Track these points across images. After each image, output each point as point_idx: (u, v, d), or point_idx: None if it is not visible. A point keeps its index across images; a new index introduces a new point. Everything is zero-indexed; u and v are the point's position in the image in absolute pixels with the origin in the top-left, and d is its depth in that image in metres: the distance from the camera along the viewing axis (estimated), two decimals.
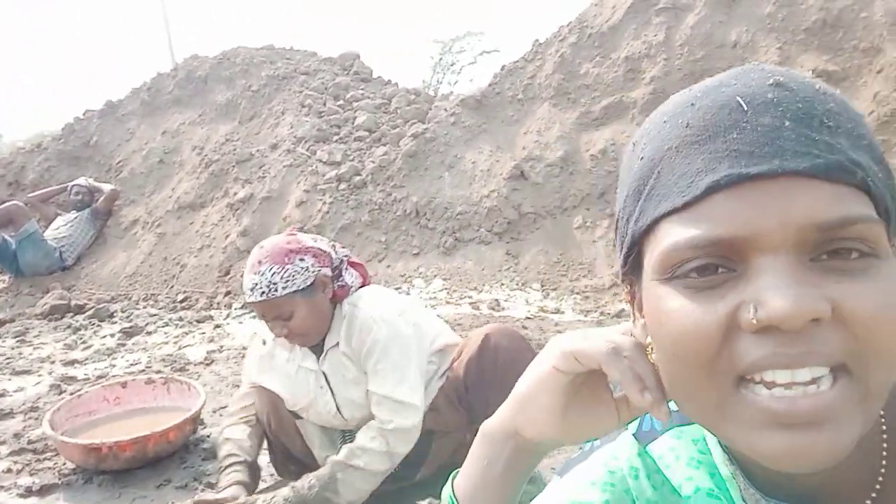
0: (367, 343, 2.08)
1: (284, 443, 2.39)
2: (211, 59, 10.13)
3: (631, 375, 0.67)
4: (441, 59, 18.95)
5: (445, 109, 8.24)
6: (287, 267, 2.00)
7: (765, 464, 0.56)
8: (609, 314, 5.33)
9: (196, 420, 3.06)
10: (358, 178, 7.53)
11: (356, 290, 2.23)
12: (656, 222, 0.61)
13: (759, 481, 0.68)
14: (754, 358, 0.53)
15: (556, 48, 8.08)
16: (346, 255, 2.29)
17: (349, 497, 2.00)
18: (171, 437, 2.86)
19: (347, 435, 2.33)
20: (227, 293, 6.56)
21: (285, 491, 1.99)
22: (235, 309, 6.11)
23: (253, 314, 5.89)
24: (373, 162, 7.62)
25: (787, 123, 0.54)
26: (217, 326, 5.56)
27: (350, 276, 2.23)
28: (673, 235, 0.58)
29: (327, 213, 7.19)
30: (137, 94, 10.10)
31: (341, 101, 9.34)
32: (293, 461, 2.42)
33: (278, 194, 7.68)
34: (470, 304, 5.80)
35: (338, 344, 2.15)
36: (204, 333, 5.35)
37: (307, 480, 2.01)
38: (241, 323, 5.68)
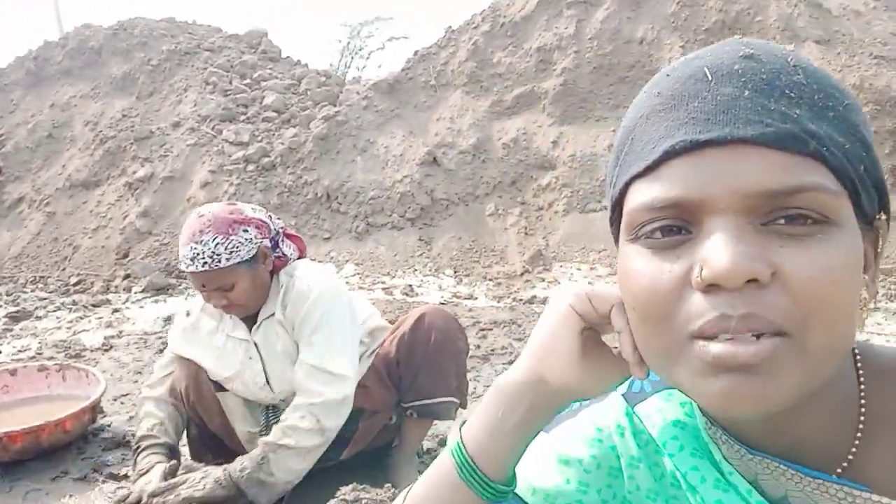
0: (302, 311, 2.03)
1: (202, 417, 2.28)
2: (105, 29, 9.55)
3: (627, 326, 0.68)
4: (349, 43, 18.70)
5: (357, 93, 8.12)
6: (231, 238, 1.93)
7: (708, 409, 0.59)
8: (521, 300, 5.42)
9: (95, 409, 2.87)
10: (266, 159, 7.30)
11: (293, 261, 2.19)
12: (626, 186, 0.63)
13: (743, 438, 0.69)
14: (704, 321, 0.55)
15: (469, 36, 8.13)
16: (281, 227, 2.23)
17: (284, 477, 1.94)
18: (67, 426, 2.67)
19: (271, 410, 2.26)
20: (127, 276, 6.21)
21: (217, 472, 1.90)
22: (136, 293, 5.80)
23: (156, 299, 5.62)
24: (282, 144, 7.41)
25: (745, 93, 0.56)
26: (116, 311, 5.26)
27: (287, 248, 2.18)
28: (636, 197, 0.61)
29: (234, 194, 6.94)
30: (22, 63, 9.39)
31: (248, 80, 9.02)
32: (211, 439, 2.31)
33: (181, 174, 7.34)
34: (383, 289, 5.76)
35: (273, 314, 2.10)
36: (101, 318, 5.05)
37: (239, 463, 1.93)
38: (142, 307, 5.40)
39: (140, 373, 3.73)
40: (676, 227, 0.58)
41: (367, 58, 19.41)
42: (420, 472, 2.28)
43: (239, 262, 1.94)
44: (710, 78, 0.58)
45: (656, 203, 0.58)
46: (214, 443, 2.28)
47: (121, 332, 4.69)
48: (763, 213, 0.55)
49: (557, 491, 0.80)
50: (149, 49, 9.14)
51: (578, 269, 6.10)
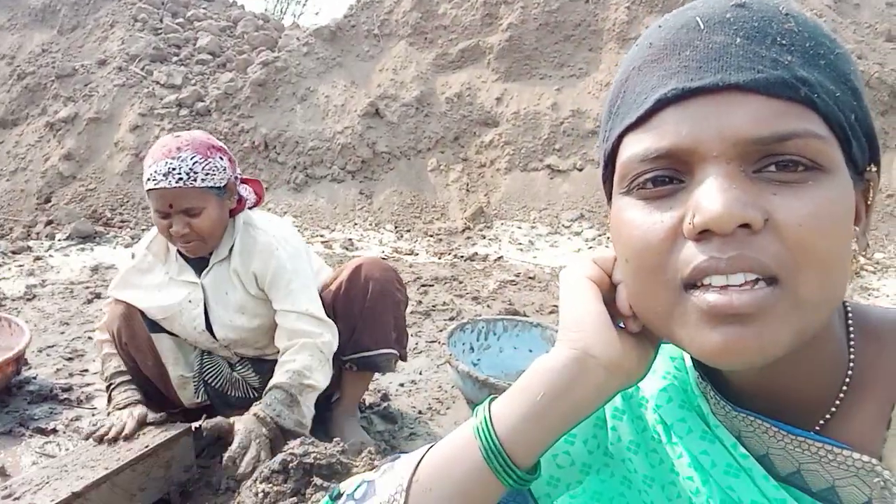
0: (273, 265, 1.99)
1: (135, 358, 2.20)
2: None
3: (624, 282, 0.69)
4: None
5: (298, 39, 7.83)
6: (209, 160, 1.85)
7: (705, 362, 0.58)
8: (463, 257, 5.43)
9: (20, 360, 2.73)
10: (201, 104, 6.99)
11: (249, 207, 2.11)
12: (619, 139, 0.63)
13: (729, 395, 0.70)
14: (695, 264, 0.55)
15: None
16: (239, 172, 2.14)
17: (309, 413, 1.95)
18: None
19: (206, 355, 2.21)
20: (49, 222, 5.88)
21: (257, 428, 1.84)
22: (60, 240, 5.50)
23: (82, 247, 5.36)
24: (217, 89, 7.10)
25: (737, 41, 0.56)
26: (38, 259, 4.98)
27: (245, 191, 2.09)
28: (629, 149, 0.61)
29: None
30: None
31: (181, 20, 8.56)
32: (145, 383, 2.23)
33: (108, 116, 6.95)
34: (322, 242, 5.66)
35: (227, 259, 2.02)
36: (22, 266, 4.78)
37: (270, 409, 1.88)
38: (66, 256, 5.14)
39: (67, 323, 3.56)
40: (668, 177, 0.58)
41: (304, 4, 18.80)
42: (362, 427, 2.28)
43: (211, 188, 1.86)
44: (701, 27, 0.57)
45: (649, 153, 0.58)
46: (148, 386, 2.20)
47: (44, 280, 4.46)
48: (755, 159, 0.55)
49: None
50: None
51: (519, 228, 6.14)
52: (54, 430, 2.41)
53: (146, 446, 1.89)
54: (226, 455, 1.77)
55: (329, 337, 2.02)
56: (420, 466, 0.70)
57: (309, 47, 7.52)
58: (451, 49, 7.47)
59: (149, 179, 1.84)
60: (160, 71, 7.34)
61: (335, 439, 1.76)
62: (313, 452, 1.66)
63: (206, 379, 2.21)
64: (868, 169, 0.61)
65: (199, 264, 2.08)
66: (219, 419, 1.94)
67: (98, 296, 4.09)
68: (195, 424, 2.09)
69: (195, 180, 1.82)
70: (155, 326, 2.14)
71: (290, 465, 1.58)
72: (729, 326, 0.55)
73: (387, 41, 7.72)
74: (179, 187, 1.81)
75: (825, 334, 0.63)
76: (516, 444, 0.66)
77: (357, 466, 1.68)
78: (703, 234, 0.54)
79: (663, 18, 0.63)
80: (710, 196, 0.53)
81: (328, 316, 2.10)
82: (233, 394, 2.23)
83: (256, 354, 2.20)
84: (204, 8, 8.93)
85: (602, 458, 0.81)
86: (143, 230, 5.90)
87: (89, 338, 3.34)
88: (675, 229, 0.57)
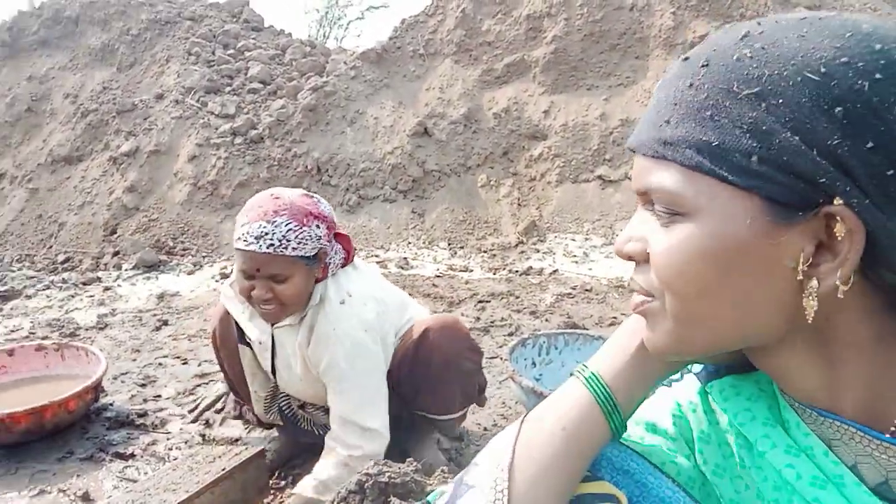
0: (325, 359, 1.89)
1: (224, 359, 2.26)
2: None
3: None
4: (327, 12, 18.38)
5: (345, 63, 7.98)
6: (304, 228, 1.78)
7: None
8: (517, 272, 5.41)
9: (98, 388, 2.83)
10: (254, 132, 7.17)
11: (336, 269, 2.00)
12: None
13: (816, 404, 0.70)
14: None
15: (457, 3, 7.99)
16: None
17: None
18: (71, 406, 2.63)
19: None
20: (116, 253, 6.11)
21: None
22: (126, 270, 5.70)
23: (147, 276, 5.54)
24: (269, 116, 7.28)
25: (654, 103, 0.67)
26: (107, 289, 5.17)
27: (334, 253, 1.96)
28: None
29: (223, 168, 6.83)
30: None
31: (232, 51, 8.83)
32: (231, 381, 2.30)
33: (167, 148, 7.19)
34: (377, 262, 5.72)
35: (298, 326, 1.96)
36: (92, 297, 4.97)
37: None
38: (133, 285, 5.32)
39: (138, 351, 3.68)
40: None
41: (346, 27, 19.17)
42: (441, 451, 2.28)
43: (302, 257, 1.80)
44: (659, 84, 0.69)
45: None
46: (232, 386, 2.31)
47: (114, 310, 4.62)
48: (652, 204, 0.67)
49: (651, 449, 0.85)
50: (127, 18, 8.89)
51: (573, 240, 6.09)
52: (132, 455, 2.49)
53: (223, 469, 1.94)
54: None
55: (368, 450, 1.88)
56: (527, 415, 0.80)
57: (356, 70, 7.65)
58: (496, 65, 7.50)
59: (239, 239, 1.79)
60: (214, 102, 7.57)
61: (409, 459, 1.77)
62: (388, 472, 1.67)
63: (279, 404, 2.25)
64: (820, 202, 0.57)
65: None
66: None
67: (166, 322, 4.21)
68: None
69: (286, 248, 1.75)
70: (242, 337, 2.18)
71: (366, 485, 1.60)
72: (645, 325, 0.72)
73: (432, 60, 7.79)
74: (269, 253, 1.74)
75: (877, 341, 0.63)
76: (621, 390, 0.77)
77: (431, 485, 1.68)
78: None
79: None
80: (622, 231, 0.71)
81: (393, 378, 2.03)
82: (303, 426, 2.27)
83: (323, 405, 2.14)
84: (253, 38, 9.18)
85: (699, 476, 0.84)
86: (203, 257, 6.07)
87: (160, 364, 3.44)
88: None
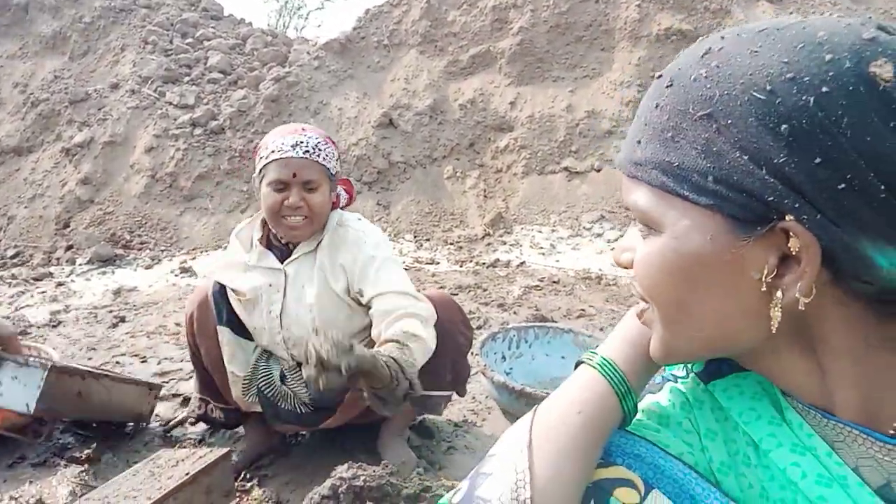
0: (361, 257, 2.00)
1: (200, 347, 2.20)
2: None
3: None
4: (287, 2, 18.16)
5: (308, 53, 7.83)
6: (329, 145, 2.02)
7: None
8: (485, 264, 5.37)
9: None
10: (215, 123, 6.99)
11: (343, 206, 2.20)
12: None
13: (818, 404, 0.70)
14: None
15: None
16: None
17: (417, 365, 1.81)
18: None
19: (262, 359, 2.20)
20: (69, 247, 5.89)
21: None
22: (80, 265, 5.50)
23: (103, 270, 5.35)
24: (230, 106, 7.11)
25: (633, 121, 0.69)
26: (60, 284, 4.98)
27: (341, 192, 2.18)
28: None
29: (182, 160, 6.64)
30: None
31: (190, 40, 8.60)
32: (202, 372, 2.24)
33: (123, 138, 6.96)
34: None
35: (313, 253, 2.06)
36: (44, 293, 4.78)
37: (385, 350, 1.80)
38: (88, 280, 5.13)
39: (94, 349, 3.54)
40: None
41: (306, 18, 19.01)
42: (411, 449, 2.23)
43: (328, 169, 1.99)
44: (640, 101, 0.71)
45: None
46: (209, 378, 2.22)
47: (67, 306, 4.45)
48: None
49: (668, 441, 0.83)
50: (80, 5, 8.60)
51: (540, 232, 6.08)
52: (90, 459, 2.37)
53: (186, 473, 1.85)
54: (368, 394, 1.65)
55: (427, 306, 1.94)
56: (539, 406, 0.80)
57: (320, 61, 7.51)
58: (461, 56, 7.43)
59: (274, 151, 1.95)
60: (172, 92, 7.36)
61: (383, 462, 1.72)
62: (362, 476, 1.62)
63: (259, 386, 2.18)
64: (784, 219, 0.57)
65: (282, 254, 2.11)
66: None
67: (123, 319, 4.07)
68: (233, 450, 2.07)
69: (318, 156, 1.96)
70: (221, 318, 2.15)
71: (340, 489, 1.54)
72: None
73: (397, 51, 7.70)
74: (306, 158, 1.94)
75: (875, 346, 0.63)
76: (630, 373, 0.79)
77: (406, 487, 1.63)
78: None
79: None
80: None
81: None
82: (283, 406, 2.19)
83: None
84: (212, 27, 8.96)
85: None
86: (162, 251, 5.90)
87: (118, 363, 3.31)
88: None
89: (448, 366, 2.09)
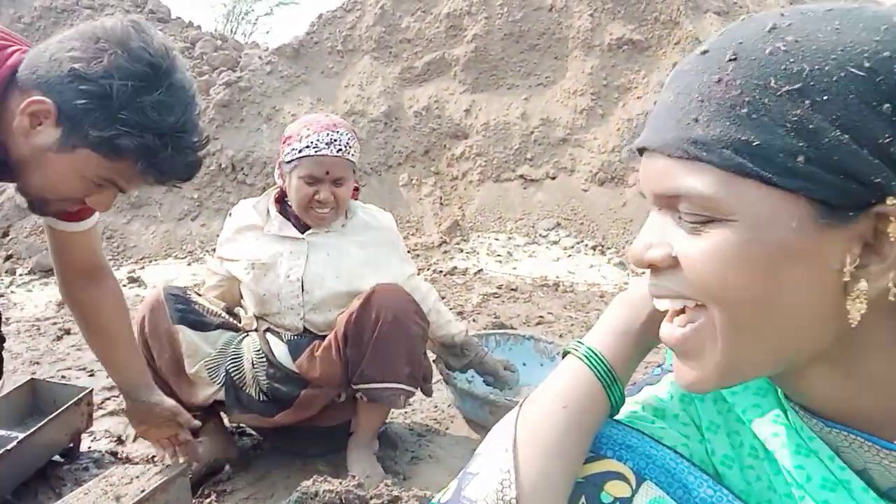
0: (394, 231, 2.38)
1: (152, 350, 2.14)
2: None
3: None
4: (234, 7, 17.91)
5: (260, 58, 7.70)
6: (355, 139, 2.16)
7: None
8: (442, 272, 5.35)
9: None
10: None
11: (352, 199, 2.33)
12: None
13: (819, 411, 0.69)
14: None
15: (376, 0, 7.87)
16: None
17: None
18: None
19: (233, 343, 2.20)
20: (9, 257, 5.63)
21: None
22: (21, 275, 5.27)
23: (45, 281, 5.14)
24: None
25: (671, 99, 0.63)
26: None
27: None
28: None
29: None
30: None
31: None
32: (155, 376, 2.14)
33: None
34: None
35: (335, 232, 2.20)
36: None
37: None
38: (30, 291, 4.91)
39: (37, 363, 3.39)
40: None
41: (255, 23, 18.90)
42: (377, 460, 2.19)
43: (353, 163, 2.16)
44: (666, 83, 0.65)
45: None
46: (160, 382, 2.12)
47: (7, 318, 4.25)
48: (675, 208, 0.63)
49: (663, 433, 0.82)
50: (19, 4, 8.30)
51: (496, 239, 6.10)
52: (38, 478, 2.26)
53: (142, 490, 1.78)
54: None
55: (426, 286, 2.42)
56: (526, 399, 0.78)
57: (272, 66, 7.40)
58: (416, 62, 7.42)
59: (308, 147, 2.05)
60: None
61: (350, 475, 1.68)
62: (325, 489, 1.58)
63: (227, 367, 2.15)
64: (884, 202, 0.55)
65: (300, 226, 2.20)
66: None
67: (68, 332, 3.90)
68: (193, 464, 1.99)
69: (349, 153, 2.10)
70: (177, 318, 2.13)
71: (307, 502, 1.49)
72: (677, 360, 0.68)
73: (350, 57, 7.64)
74: (339, 156, 2.06)
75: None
76: (617, 362, 0.77)
77: (374, 498, 1.59)
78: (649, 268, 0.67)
79: None
80: (636, 238, 0.66)
81: (340, 341, 2.09)
82: (247, 391, 2.15)
83: (318, 330, 2.19)
84: (160, 29, 8.75)
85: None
86: (109, 260, 5.69)
87: (63, 377, 3.17)
88: None
89: (403, 356, 2.07)
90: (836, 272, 0.57)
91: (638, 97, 6.62)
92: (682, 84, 0.62)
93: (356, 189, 2.36)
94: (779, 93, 0.55)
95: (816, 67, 0.55)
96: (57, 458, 2.34)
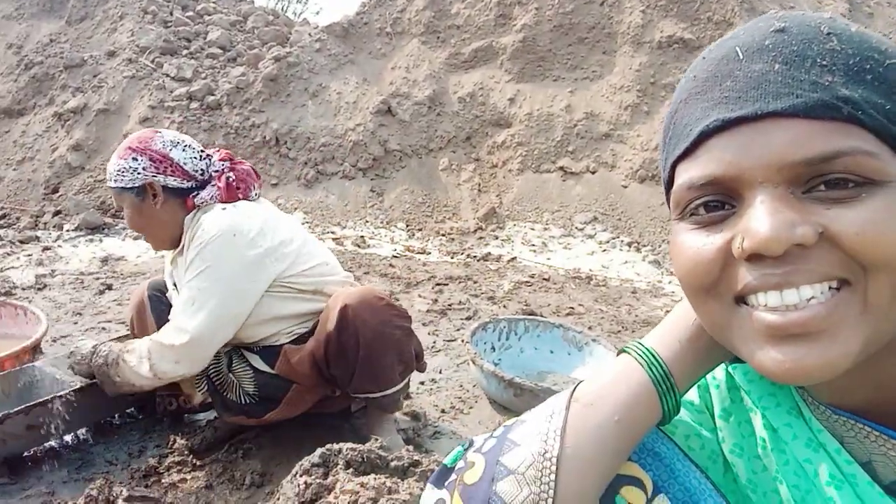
0: (189, 256, 1.96)
1: None
2: None
3: None
4: None
5: (310, 34, 7.78)
6: (120, 162, 1.99)
7: (770, 379, 0.61)
8: (476, 257, 5.37)
9: (36, 349, 2.67)
10: (212, 98, 6.93)
11: (213, 203, 2.04)
12: (673, 168, 0.67)
13: (826, 398, 0.69)
14: (746, 282, 0.58)
15: None
16: (223, 168, 2.09)
17: (125, 384, 2.01)
18: (5, 366, 2.47)
19: None
20: (57, 213, 5.81)
21: (82, 354, 2.11)
22: (67, 231, 5.44)
23: (90, 238, 5.30)
24: (228, 83, 7.04)
25: (776, 67, 0.58)
26: (46, 248, 4.92)
27: (208, 192, 2.04)
28: (679, 178, 0.65)
29: (177, 132, 6.56)
30: None
31: (191, 13, 8.51)
32: None
33: (117, 107, 6.88)
34: (333, 239, 5.60)
35: (182, 254, 2.05)
36: (30, 255, 4.71)
37: (104, 348, 2.07)
38: (75, 247, 5.07)
39: (80, 314, 3.51)
40: (720, 202, 0.61)
41: (305, 3, 19.15)
42: (395, 427, 2.22)
43: (124, 188, 2.00)
44: (741, 56, 0.60)
45: (695, 182, 0.61)
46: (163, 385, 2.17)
47: (53, 270, 4.39)
48: (803, 181, 0.56)
49: (677, 420, 0.81)
50: None
51: (532, 229, 6.09)
52: None
53: None
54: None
55: (166, 338, 1.93)
56: (576, 392, 0.74)
57: (321, 43, 7.46)
58: (463, 49, 7.42)
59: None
60: (170, 64, 7.28)
61: (373, 437, 1.71)
62: (350, 449, 1.61)
63: (208, 374, 2.15)
64: None
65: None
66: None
67: (110, 287, 4.03)
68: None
69: (111, 181, 2.02)
70: (161, 321, 2.13)
71: (329, 458, 1.53)
72: (788, 345, 0.57)
73: (399, 39, 7.66)
74: (108, 186, 2.08)
75: None
76: (676, 370, 0.73)
77: (395, 460, 1.62)
78: (754, 257, 0.57)
79: (707, 49, 0.66)
80: (759, 220, 0.56)
81: (321, 362, 1.99)
82: (230, 396, 2.15)
83: (232, 343, 2.12)
84: (214, 2, 8.87)
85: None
86: None
87: (103, 328, 3.28)
88: (724, 249, 0.60)
89: (394, 360, 2.03)
90: None
91: None
92: (782, 54, 0.58)
93: (223, 190, 2.05)
94: (885, 64, 0.58)
95: (890, 50, 0.59)
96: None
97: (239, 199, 2.08)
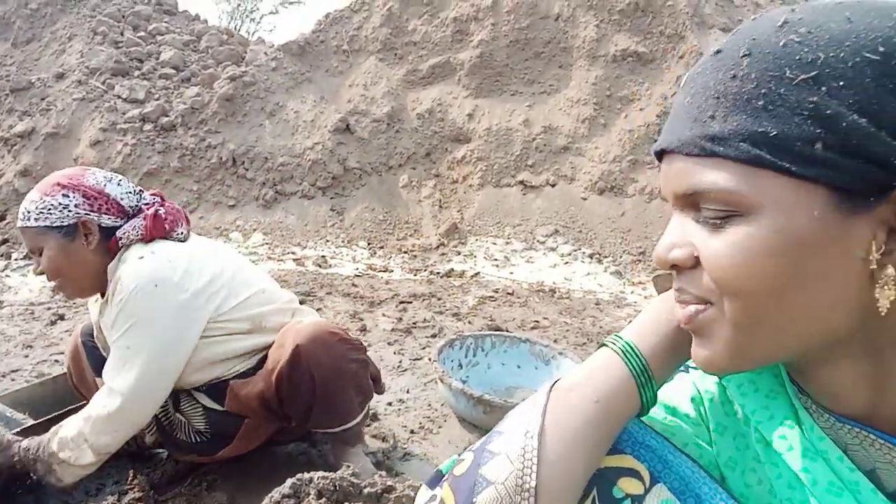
0: (111, 314, 1.78)
1: (86, 396, 2.08)
2: None
3: None
4: (239, 5, 18.01)
5: (266, 53, 7.71)
6: (45, 199, 1.74)
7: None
8: (439, 273, 5.35)
9: None
10: (166, 119, 6.80)
11: (134, 242, 1.87)
12: None
13: (829, 405, 0.68)
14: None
15: (383, 1, 7.88)
16: (154, 202, 1.92)
17: (70, 479, 1.80)
18: None
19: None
20: (5, 241, 5.61)
21: (14, 449, 1.82)
22: (16, 259, 5.25)
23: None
24: (183, 103, 6.93)
25: (686, 100, 0.63)
26: None
27: (131, 225, 1.86)
28: None
29: (129, 155, 6.42)
30: None
31: (142, 33, 8.36)
32: None
33: (67, 130, 6.70)
34: (294, 259, 5.52)
35: (107, 302, 1.84)
36: None
37: (32, 455, 1.79)
38: (24, 276, 4.89)
39: (30, 346, 3.37)
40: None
41: (259, 22, 19.07)
42: (365, 449, 2.17)
43: (49, 227, 1.75)
44: (681, 85, 0.66)
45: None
46: None
47: (1, 301, 4.23)
48: (695, 207, 0.63)
49: (675, 428, 0.83)
50: None
51: (494, 244, 6.10)
52: None
53: None
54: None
55: (98, 411, 1.76)
56: (556, 384, 0.76)
57: (277, 62, 7.40)
58: (421, 65, 7.44)
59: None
60: (122, 85, 7.13)
61: (344, 464, 1.67)
62: (322, 478, 1.57)
63: (157, 415, 2.04)
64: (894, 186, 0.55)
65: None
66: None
67: (62, 317, 3.89)
68: None
69: (27, 219, 1.75)
70: (96, 369, 2.05)
71: (301, 488, 1.48)
72: (696, 344, 0.67)
73: (356, 57, 7.65)
74: (21, 226, 1.77)
75: None
76: (654, 362, 0.75)
77: (369, 487, 1.58)
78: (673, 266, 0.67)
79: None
80: (660, 240, 0.67)
81: (273, 401, 1.90)
82: (180, 436, 2.06)
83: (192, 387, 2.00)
84: (166, 22, 8.74)
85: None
86: None
87: (56, 361, 3.16)
88: None
89: (351, 394, 1.96)
90: (861, 260, 0.56)
91: (640, 109, 6.65)
92: (697, 85, 0.62)
93: (147, 229, 1.87)
94: (794, 82, 0.55)
95: (831, 55, 0.55)
96: None
97: (165, 230, 1.90)
